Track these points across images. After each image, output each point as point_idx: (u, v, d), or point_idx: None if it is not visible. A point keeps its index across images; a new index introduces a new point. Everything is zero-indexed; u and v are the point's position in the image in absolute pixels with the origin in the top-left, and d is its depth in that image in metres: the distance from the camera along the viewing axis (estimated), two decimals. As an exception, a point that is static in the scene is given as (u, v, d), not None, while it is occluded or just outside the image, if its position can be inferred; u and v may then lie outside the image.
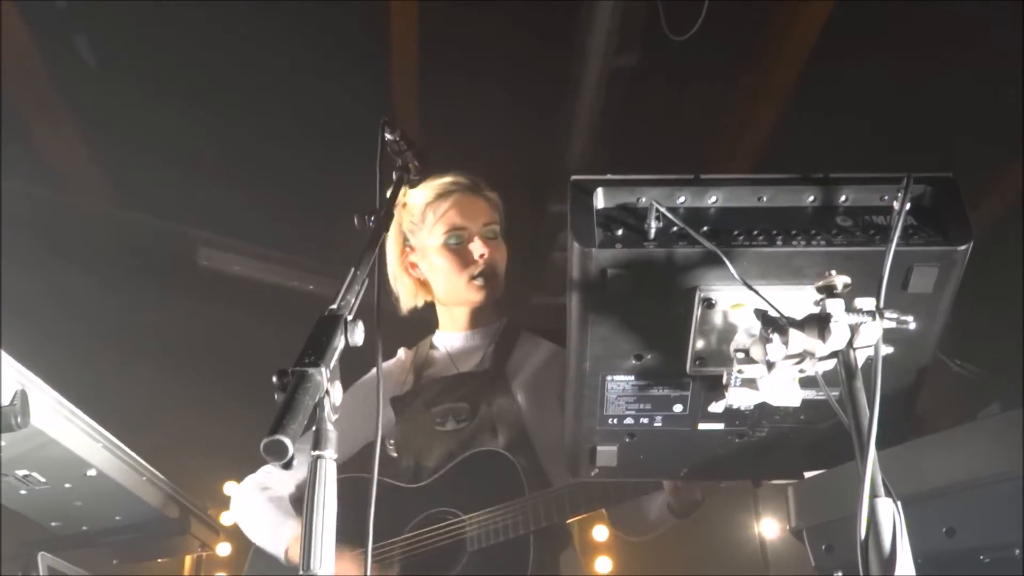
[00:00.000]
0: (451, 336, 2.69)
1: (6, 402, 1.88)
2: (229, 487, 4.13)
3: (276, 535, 2.43)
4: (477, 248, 2.52)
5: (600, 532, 5.02)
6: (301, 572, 1.23)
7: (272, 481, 2.58)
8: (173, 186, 4.35)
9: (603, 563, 5.08)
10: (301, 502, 2.34)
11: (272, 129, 4.11)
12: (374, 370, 2.58)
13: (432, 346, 2.73)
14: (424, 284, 2.65)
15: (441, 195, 2.57)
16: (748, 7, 3.63)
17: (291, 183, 4.36)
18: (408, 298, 2.67)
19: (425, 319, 2.74)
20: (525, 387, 2.53)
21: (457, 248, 2.54)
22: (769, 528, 4.80)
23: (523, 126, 4.08)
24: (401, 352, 2.77)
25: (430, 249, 2.56)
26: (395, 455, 2.59)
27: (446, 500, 2.42)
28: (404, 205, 2.59)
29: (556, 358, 2.54)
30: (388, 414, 2.59)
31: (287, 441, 1.17)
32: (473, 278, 2.53)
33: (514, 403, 2.50)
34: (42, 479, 2.16)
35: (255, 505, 2.54)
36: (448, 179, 2.59)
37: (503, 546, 2.29)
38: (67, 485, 2.23)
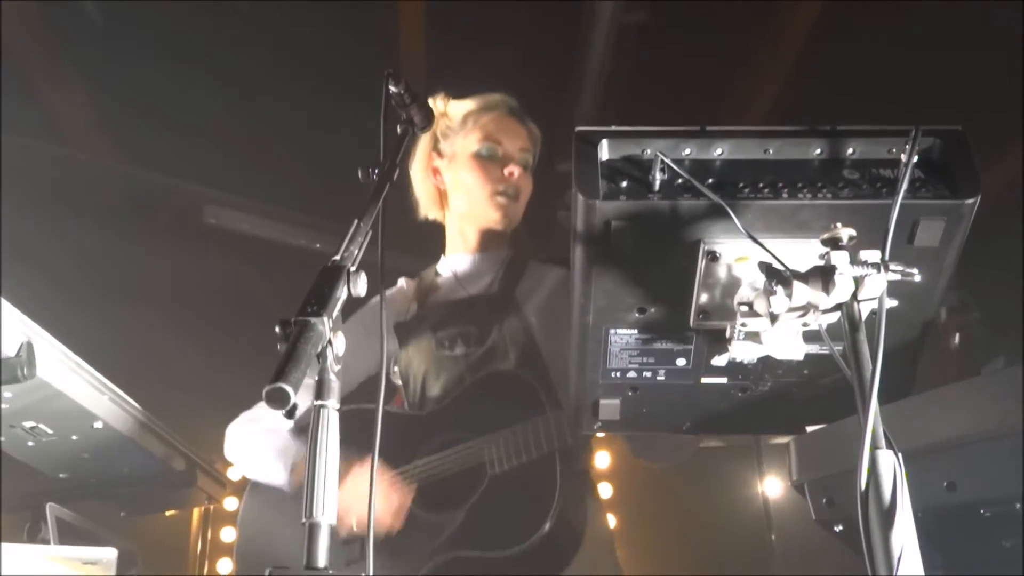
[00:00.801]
0: (459, 258, 2.59)
1: (12, 353, 1.89)
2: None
3: (277, 461, 2.35)
4: (508, 166, 2.46)
5: (602, 458, 5.02)
6: (304, 519, 1.24)
7: (266, 413, 2.47)
8: (179, 143, 4.33)
9: (604, 488, 5.10)
10: (302, 432, 2.36)
11: (279, 86, 4.08)
12: (374, 299, 2.57)
13: (437, 273, 2.64)
14: (443, 195, 2.59)
15: (486, 108, 2.53)
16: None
17: (298, 141, 4.33)
18: (428, 204, 2.61)
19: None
20: (537, 310, 2.45)
21: (488, 160, 2.47)
22: (772, 486, 4.81)
23: (531, 84, 4.02)
24: (402, 281, 2.67)
25: (460, 156, 2.50)
26: (398, 383, 2.52)
27: (460, 425, 2.32)
28: (444, 113, 2.53)
29: (565, 282, 2.42)
30: (391, 342, 2.50)
31: (289, 389, 1.17)
32: (497, 193, 2.47)
33: (526, 326, 2.41)
34: (49, 431, 2.18)
35: (252, 436, 2.45)
36: (497, 96, 2.55)
37: (527, 467, 2.19)
38: (74, 437, 2.26)
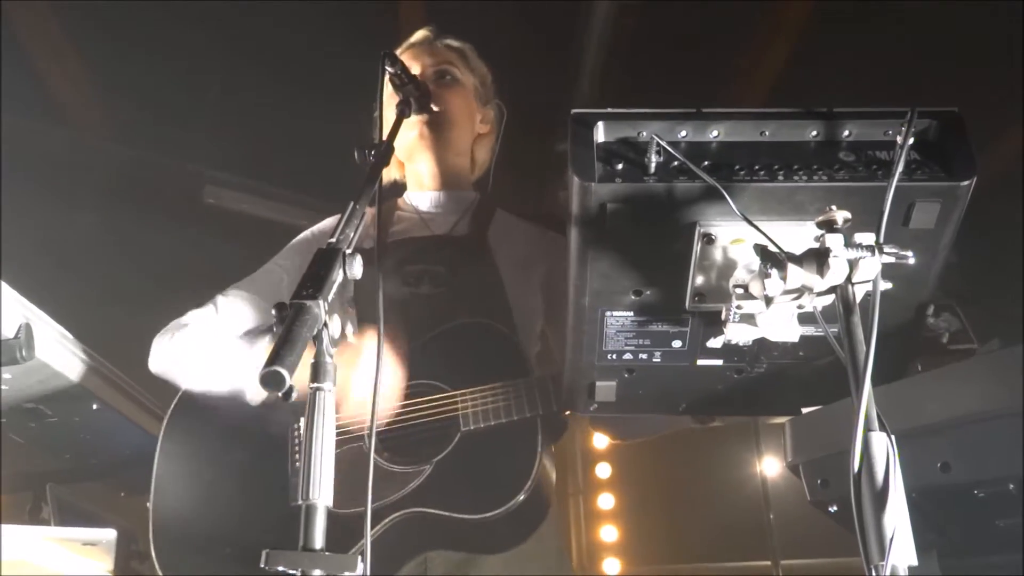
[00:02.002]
0: (420, 196, 2.49)
1: (11, 335, 1.90)
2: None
3: (234, 362, 2.15)
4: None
5: (600, 439, 5.03)
6: (300, 500, 1.24)
7: (203, 324, 2.29)
8: (179, 123, 4.33)
9: (603, 468, 5.15)
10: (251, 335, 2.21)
11: (278, 66, 4.07)
12: (323, 223, 2.44)
13: (399, 207, 2.51)
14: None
15: (402, 51, 2.45)
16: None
17: (298, 121, 4.32)
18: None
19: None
20: (508, 262, 2.34)
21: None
22: (771, 466, 4.83)
23: (530, 61, 4.03)
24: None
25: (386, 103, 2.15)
26: (352, 308, 2.17)
27: (432, 373, 2.15)
28: None
29: (538, 240, 2.42)
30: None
31: (284, 372, 1.18)
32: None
33: (496, 276, 2.31)
34: (49, 412, 2.19)
35: (196, 342, 2.23)
36: (419, 32, 2.50)
37: (505, 429, 2.07)
38: (75, 419, 2.27)
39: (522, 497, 2.00)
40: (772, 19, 3.86)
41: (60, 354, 2.05)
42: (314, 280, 1.34)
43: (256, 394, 2.13)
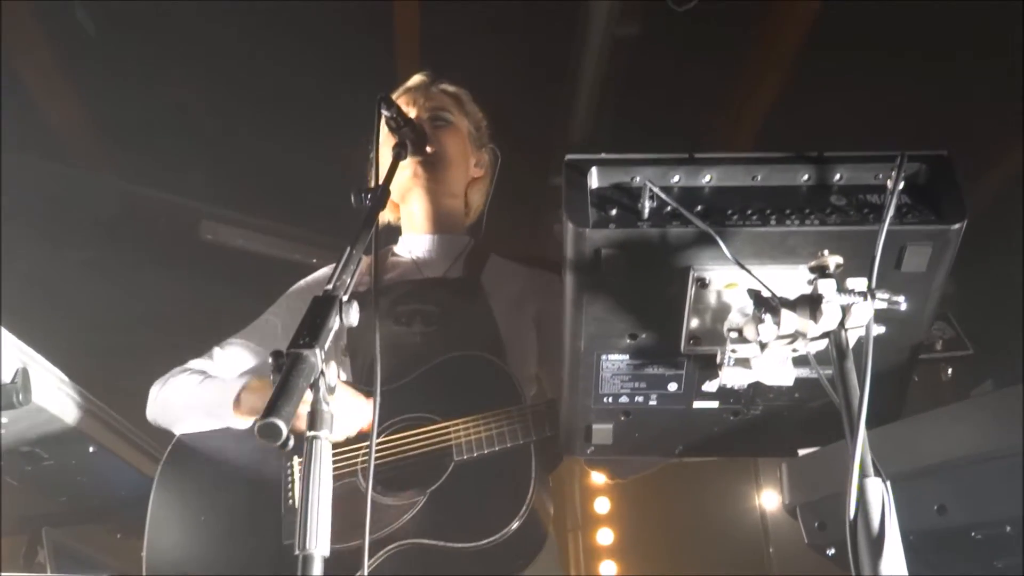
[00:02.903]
0: (414, 239, 2.50)
1: (8, 380, 1.90)
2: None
3: (222, 394, 2.18)
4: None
5: (599, 475, 5.01)
6: (297, 551, 1.24)
7: (192, 366, 2.35)
8: (176, 159, 4.35)
9: (601, 503, 5.12)
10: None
11: (274, 103, 4.10)
12: (318, 272, 2.51)
13: (393, 253, 2.54)
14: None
15: (399, 95, 2.48)
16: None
17: (294, 157, 4.34)
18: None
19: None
20: (502, 303, 2.36)
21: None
22: (770, 500, 4.82)
23: (525, 97, 4.06)
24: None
25: (383, 146, 2.20)
26: (345, 356, 2.35)
27: (425, 405, 2.16)
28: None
29: (532, 281, 2.43)
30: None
31: (281, 424, 1.18)
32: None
33: (490, 316, 2.32)
34: (45, 455, 2.19)
35: (188, 384, 2.27)
36: (415, 77, 2.52)
37: (498, 457, 2.07)
38: (71, 461, 2.26)
39: (516, 525, 1.99)
40: (764, 53, 3.89)
41: (57, 398, 2.06)
42: (311, 328, 1.35)
43: (243, 423, 2.15)
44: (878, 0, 3.49)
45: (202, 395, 2.23)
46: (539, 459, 2.08)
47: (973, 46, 3.46)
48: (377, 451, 2.13)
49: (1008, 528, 1.39)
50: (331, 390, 1.35)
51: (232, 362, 2.35)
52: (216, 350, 2.37)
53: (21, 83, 3.89)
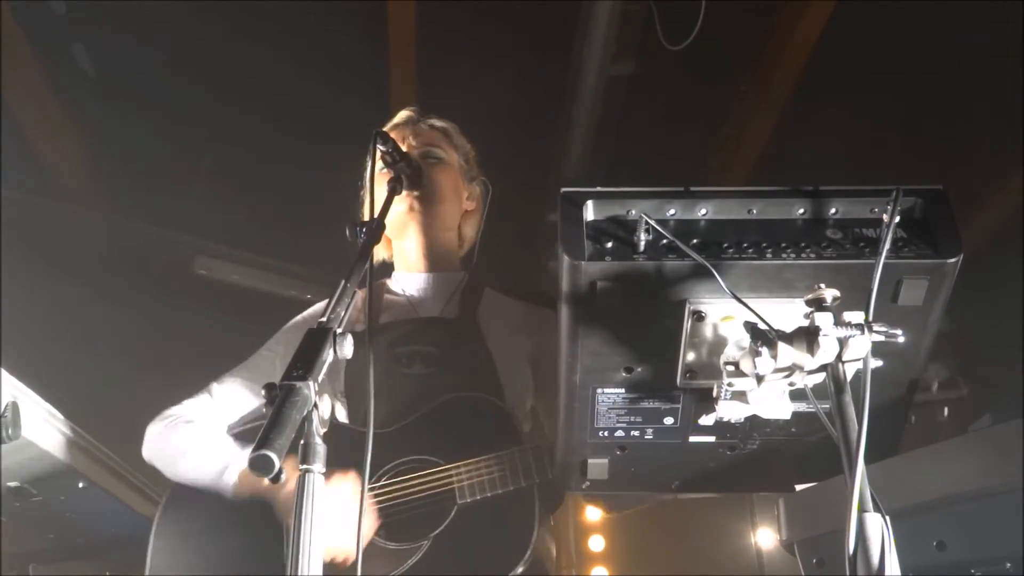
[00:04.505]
0: (409, 278, 2.49)
1: (-2, 414, 1.88)
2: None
3: (220, 460, 2.19)
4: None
5: (593, 512, 4.98)
6: (288, 585, 1.22)
7: (191, 410, 2.35)
8: (170, 194, 4.35)
9: (596, 541, 5.07)
10: (240, 437, 2.24)
11: (270, 137, 4.11)
12: (315, 307, 2.49)
13: (389, 289, 2.51)
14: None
15: (388, 130, 2.45)
16: (744, 15, 3.63)
17: (289, 192, 4.35)
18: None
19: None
20: (497, 341, 2.34)
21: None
22: (765, 538, 4.78)
23: (520, 135, 4.08)
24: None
25: (377, 182, 2.14)
26: (344, 399, 2.32)
27: (426, 448, 2.16)
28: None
29: (527, 316, 2.43)
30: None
31: (274, 456, 1.16)
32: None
33: (487, 355, 2.31)
34: (34, 491, 2.16)
35: (187, 436, 2.28)
36: (403, 113, 2.53)
37: (501, 500, 2.06)
38: (60, 497, 2.23)
39: (520, 570, 1.99)
40: (759, 88, 3.93)
41: (47, 432, 2.03)
42: (304, 361, 1.34)
43: (235, 494, 2.15)
44: (873, 33, 3.53)
45: (200, 466, 2.23)
46: (542, 500, 2.09)
47: (971, 77, 3.49)
48: (379, 495, 2.12)
49: (1008, 565, 1.38)
50: (324, 423, 1.34)
51: (230, 400, 2.35)
52: (214, 386, 2.36)
53: (17, 121, 3.90)
